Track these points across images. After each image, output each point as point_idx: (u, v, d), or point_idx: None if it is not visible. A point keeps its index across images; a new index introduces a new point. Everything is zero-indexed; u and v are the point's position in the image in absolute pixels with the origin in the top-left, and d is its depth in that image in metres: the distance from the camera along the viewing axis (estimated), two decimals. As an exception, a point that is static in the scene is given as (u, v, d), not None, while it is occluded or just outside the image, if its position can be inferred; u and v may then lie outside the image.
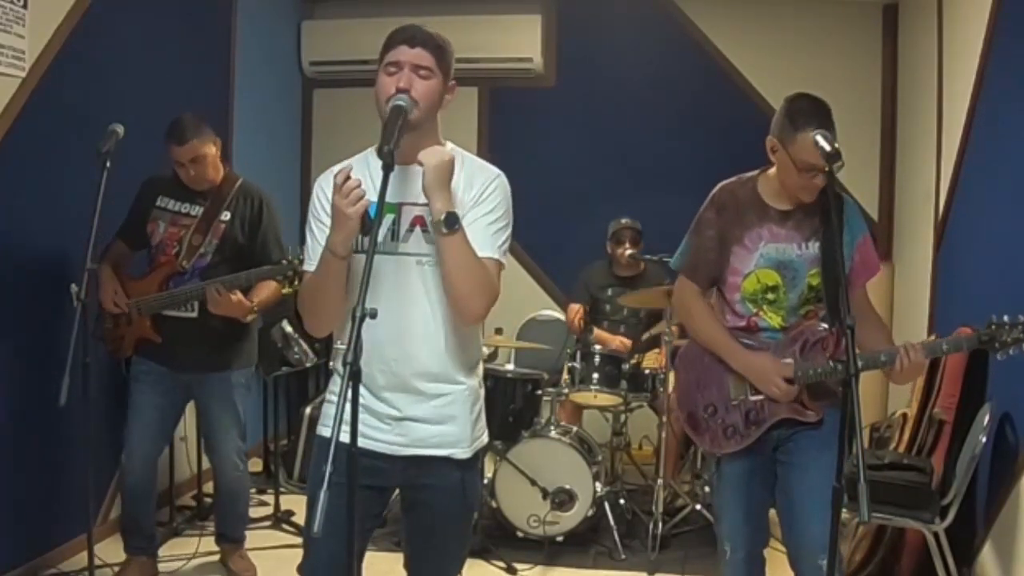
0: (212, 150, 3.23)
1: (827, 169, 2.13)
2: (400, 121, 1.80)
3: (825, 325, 2.38)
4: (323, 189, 1.98)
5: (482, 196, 1.94)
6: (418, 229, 1.92)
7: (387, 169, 1.74)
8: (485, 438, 2.08)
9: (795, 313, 2.40)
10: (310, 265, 1.98)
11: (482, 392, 2.07)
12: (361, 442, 1.86)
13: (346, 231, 1.80)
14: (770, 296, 2.40)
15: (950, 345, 2.32)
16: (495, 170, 2.00)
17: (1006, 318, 2.21)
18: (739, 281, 2.41)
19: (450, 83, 1.95)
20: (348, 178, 1.79)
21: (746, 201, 2.42)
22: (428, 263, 1.91)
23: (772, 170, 2.43)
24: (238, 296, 3.12)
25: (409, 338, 1.92)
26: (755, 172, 2.47)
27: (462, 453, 2.00)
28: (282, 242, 3.34)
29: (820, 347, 2.36)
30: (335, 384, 2.01)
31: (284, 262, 3.09)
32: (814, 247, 2.37)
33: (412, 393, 1.94)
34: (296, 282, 3.04)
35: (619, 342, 4.52)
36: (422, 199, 1.89)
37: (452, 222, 1.82)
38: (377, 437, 1.95)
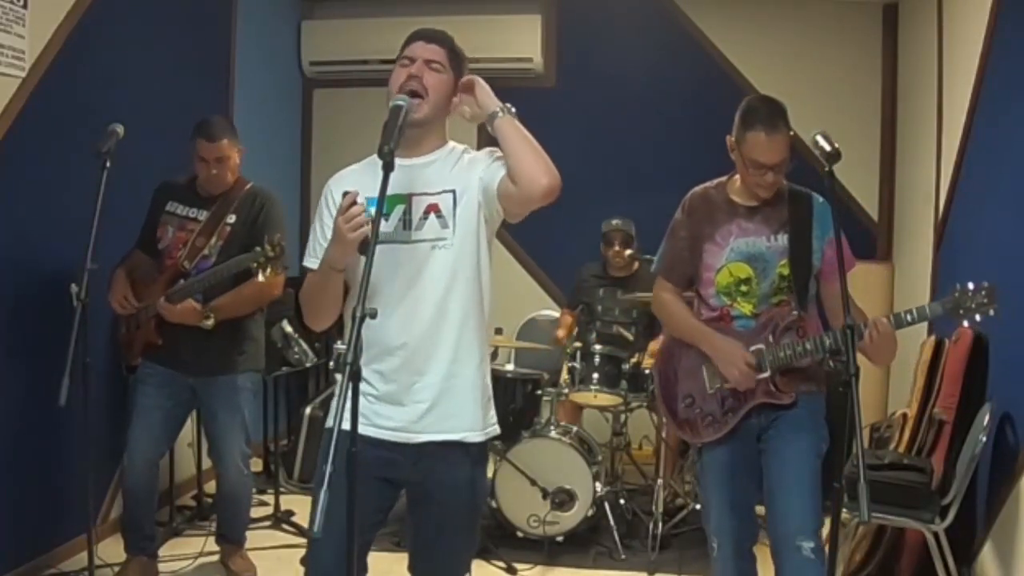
0: (236, 156, 3.28)
1: (827, 168, 2.21)
2: (400, 120, 1.85)
3: (796, 312, 2.46)
4: (332, 192, 2.05)
5: (488, 157, 2.06)
6: (432, 216, 1.98)
7: (387, 169, 1.78)
8: (497, 428, 2.10)
9: (767, 301, 2.49)
10: (311, 261, 2.03)
11: (490, 381, 2.10)
12: (373, 431, 1.94)
13: (344, 250, 1.86)
14: (743, 288, 2.50)
15: (915, 315, 2.37)
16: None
17: (970, 285, 2.31)
18: (712, 276, 2.52)
19: (460, 82, 2.03)
20: (355, 203, 1.83)
21: (717, 201, 2.55)
22: (443, 246, 1.97)
23: None
24: (188, 303, 3.11)
25: (422, 323, 1.96)
26: (725, 177, 2.60)
27: (474, 437, 2.03)
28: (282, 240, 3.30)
29: (795, 333, 2.45)
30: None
31: (257, 249, 3.02)
32: (783, 239, 2.47)
33: (425, 376, 1.98)
34: (269, 269, 3.02)
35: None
36: (433, 188, 1.99)
37: (509, 109, 1.98)
38: (389, 425, 1.98)
